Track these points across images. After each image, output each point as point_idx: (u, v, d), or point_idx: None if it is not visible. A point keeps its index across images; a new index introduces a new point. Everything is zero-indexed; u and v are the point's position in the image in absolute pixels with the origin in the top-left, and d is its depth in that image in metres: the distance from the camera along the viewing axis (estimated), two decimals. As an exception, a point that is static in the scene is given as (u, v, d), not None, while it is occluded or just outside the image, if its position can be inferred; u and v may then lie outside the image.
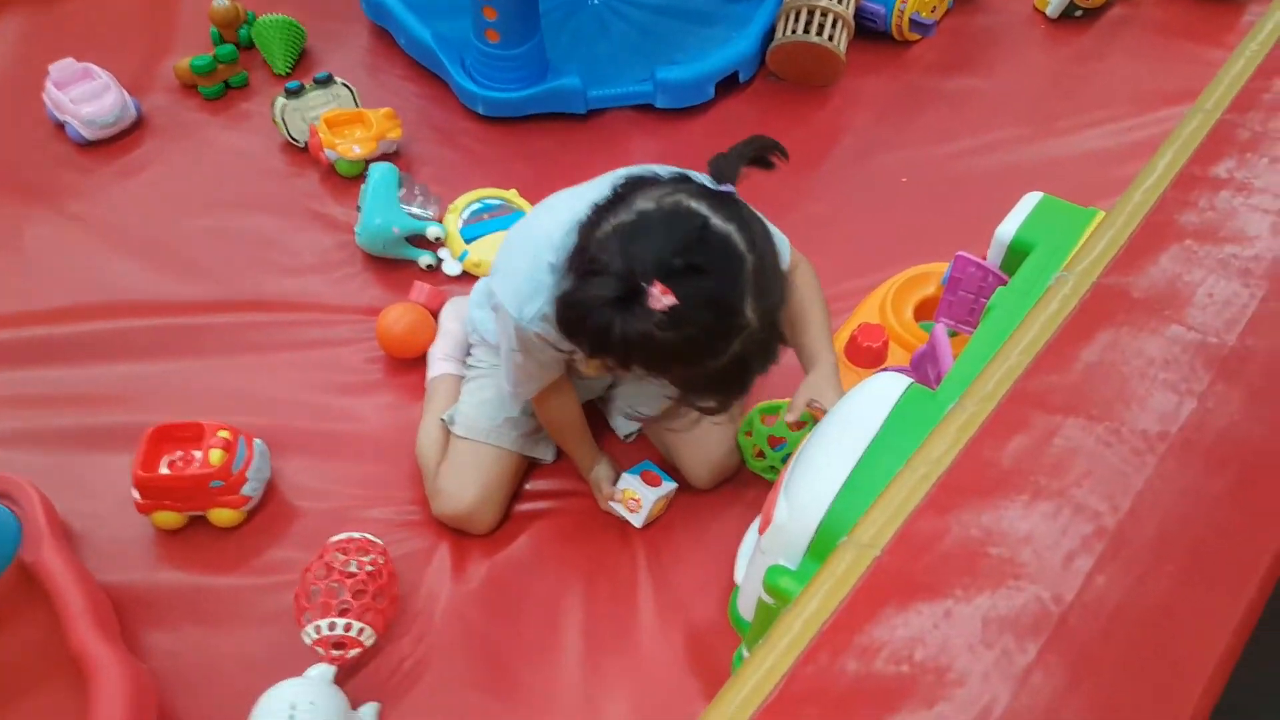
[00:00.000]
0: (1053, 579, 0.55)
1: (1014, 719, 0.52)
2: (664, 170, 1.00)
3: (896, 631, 0.56)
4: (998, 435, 0.65)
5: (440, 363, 1.38)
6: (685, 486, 1.28)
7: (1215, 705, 0.55)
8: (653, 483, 1.24)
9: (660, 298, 0.85)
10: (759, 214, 0.97)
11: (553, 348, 1.05)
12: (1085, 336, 0.71)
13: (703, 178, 0.96)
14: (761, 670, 0.57)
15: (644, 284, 0.85)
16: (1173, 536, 0.60)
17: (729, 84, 1.80)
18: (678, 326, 0.86)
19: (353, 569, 1.13)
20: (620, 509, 1.24)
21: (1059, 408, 0.65)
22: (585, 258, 0.91)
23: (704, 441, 1.25)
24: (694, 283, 0.86)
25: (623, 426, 1.33)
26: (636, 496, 1.23)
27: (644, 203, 0.91)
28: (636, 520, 1.23)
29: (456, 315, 1.42)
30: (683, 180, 0.95)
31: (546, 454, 1.30)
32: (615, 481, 1.25)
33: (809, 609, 0.60)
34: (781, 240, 1.09)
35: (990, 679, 0.53)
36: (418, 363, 1.42)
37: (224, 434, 1.24)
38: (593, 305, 0.88)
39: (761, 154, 0.98)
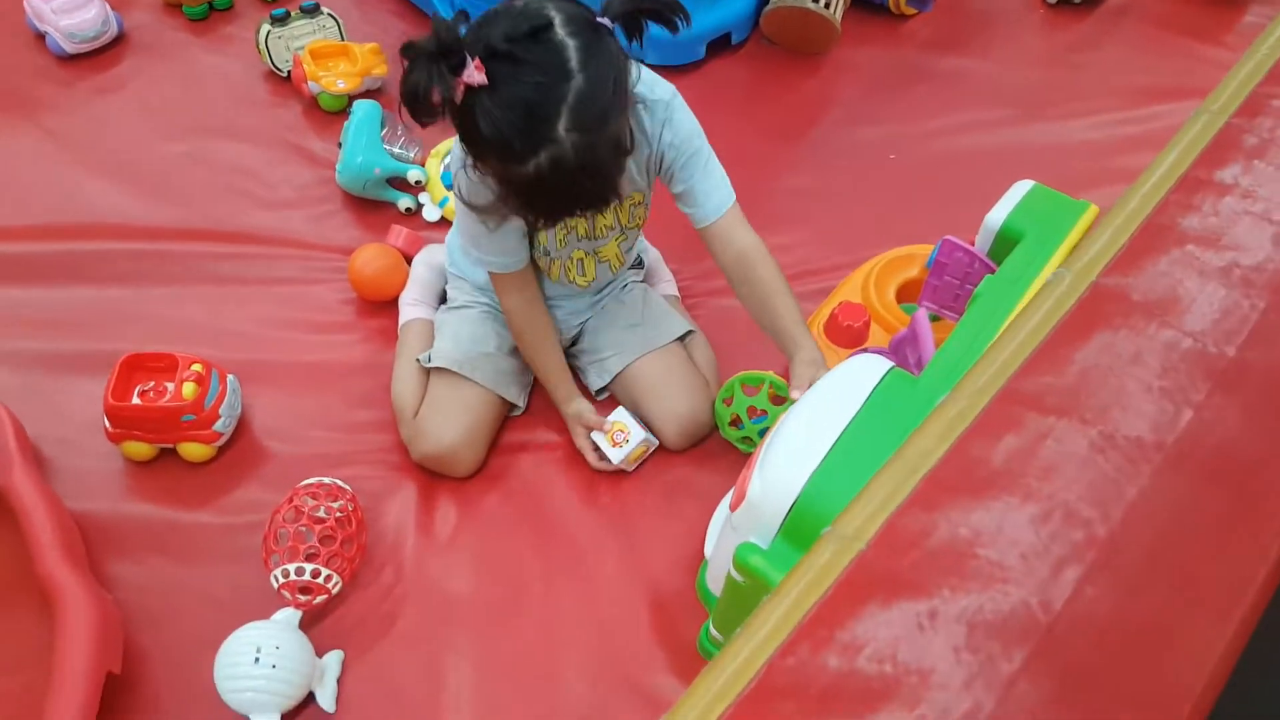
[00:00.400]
0: (1041, 586, 0.56)
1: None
2: None
3: (880, 629, 0.56)
4: (989, 433, 0.65)
5: (410, 308, 1.36)
6: (658, 449, 1.29)
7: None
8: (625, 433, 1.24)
9: (474, 73, 0.89)
10: (640, 68, 1.00)
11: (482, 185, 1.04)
12: (1081, 337, 0.71)
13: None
14: (739, 660, 0.57)
15: (467, 55, 0.89)
16: (1165, 549, 0.60)
17: (720, 45, 1.78)
18: (485, 111, 0.90)
19: (321, 514, 1.13)
20: (603, 440, 1.23)
21: (1053, 409, 0.66)
22: None
23: (672, 396, 1.25)
24: (509, 72, 0.89)
25: (595, 380, 1.32)
26: (625, 429, 1.22)
27: (518, 1, 0.94)
28: (616, 455, 1.22)
29: (428, 262, 1.40)
30: (567, 1, 0.95)
31: (519, 399, 1.30)
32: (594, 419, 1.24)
33: (789, 599, 0.59)
34: (719, 189, 1.16)
35: (974, 686, 0.53)
36: (390, 306, 1.40)
37: (197, 367, 1.22)
38: (416, 56, 0.89)
39: (662, 8, 0.97)
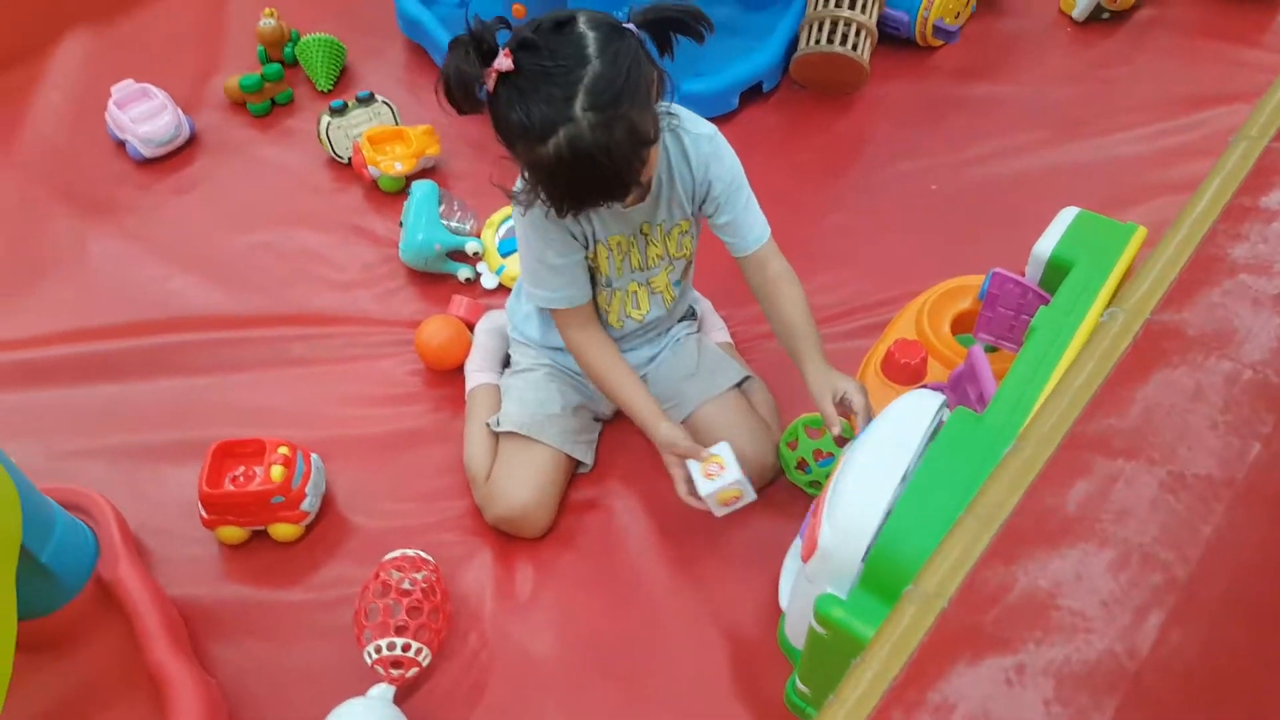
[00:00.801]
0: (1125, 633, 0.57)
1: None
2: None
3: (969, 689, 0.56)
4: (1059, 480, 0.67)
5: (476, 374, 1.42)
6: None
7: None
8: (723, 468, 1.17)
9: (503, 60, 0.97)
10: (649, 68, 1.04)
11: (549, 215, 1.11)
12: (1140, 377, 0.73)
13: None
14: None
15: (498, 45, 0.98)
16: (1245, 588, 0.61)
17: (753, 94, 1.82)
18: (510, 95, 0.98)
19: (407, 587, 1.17)
20: (697, 470, 1.17)
21: (1120, 451, 0.67)
22: None
23: (737, 441, 1.27)
24: (532, 58, 0.98)
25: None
26: (723, 463, 1.17)
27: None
28: (706, 487, 1.16)
29: (489, 329, 1.46)
30: (598, 12, 1.04)
31: (587, 456, 1.34)
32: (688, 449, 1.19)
33: (877, 662, 0.61)
34: (759, 224, 1.23)
35: None
36: (456, 374, 1.46)
37: (284, 450, 1.28)
38: (457, 44, 0.99)
39: (685, 18, 1.05)
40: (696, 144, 1.18)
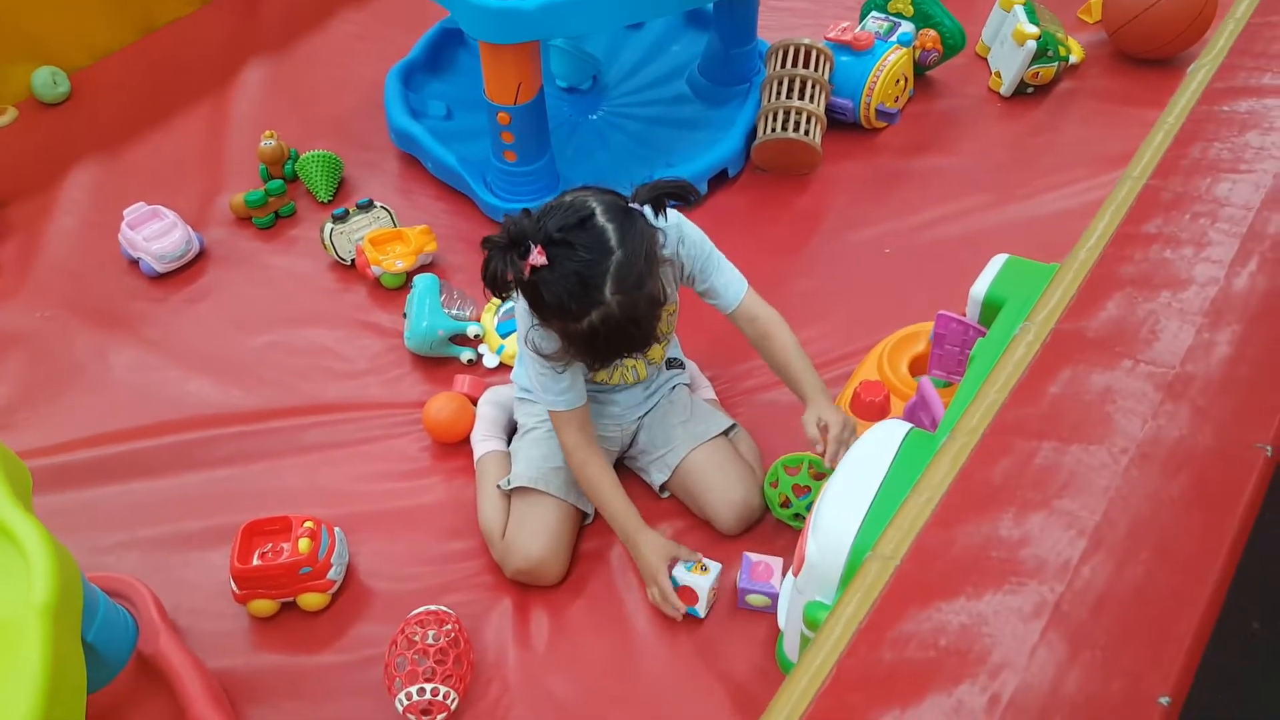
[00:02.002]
0: (1047, 573, 0.70)
1: (1027, 686, 0.66)
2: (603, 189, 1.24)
3: (922, 625, 0.70)
4: (986, 460, 0.80)
5: (482, 443, 1.54)
6: (716, 537, 1.43)
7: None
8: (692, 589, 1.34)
9: (536, 256, 1.13)
10: (655, 239, 1.21)
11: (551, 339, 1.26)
12: (1050, 374, 0.87)
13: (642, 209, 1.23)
14: (813, 667, 0.71)
15: (531, 244, 1.13)
16: (1143, 531, 0.75)
17: (719, 179, 2.00)
18: (547, 284, 1.14)
19: (431, 640, 1.27)
20: (683, 573, 1.33)
21: (1034, 434, 0.81)
22: None
23: (726, 485, 1.41)
24: (564, 254, 1.14)
25: (657, 476, 1.48)
26: (691, 587, 1.32)
27: (567, 197, 1.21)
28: (699, 610, 1.33)
29: (492, 401, 1.59)
30: (605, 192, 1.21)
31: (588, 506, 1.46)
32: (669, 562, 1.35)
33: (846, 612, 0.74)
34: (734, 282, 1.39)
35: (1005, 655, 0.67)
36: (462, 447, 1.58)
37: (309, 525, 1.39)
38: (493, 248, 1.16)
39: (677, 193, 1.23)
40: (667, 234, 1.32)
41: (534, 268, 1.14)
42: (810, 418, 1.35)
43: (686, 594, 1.34)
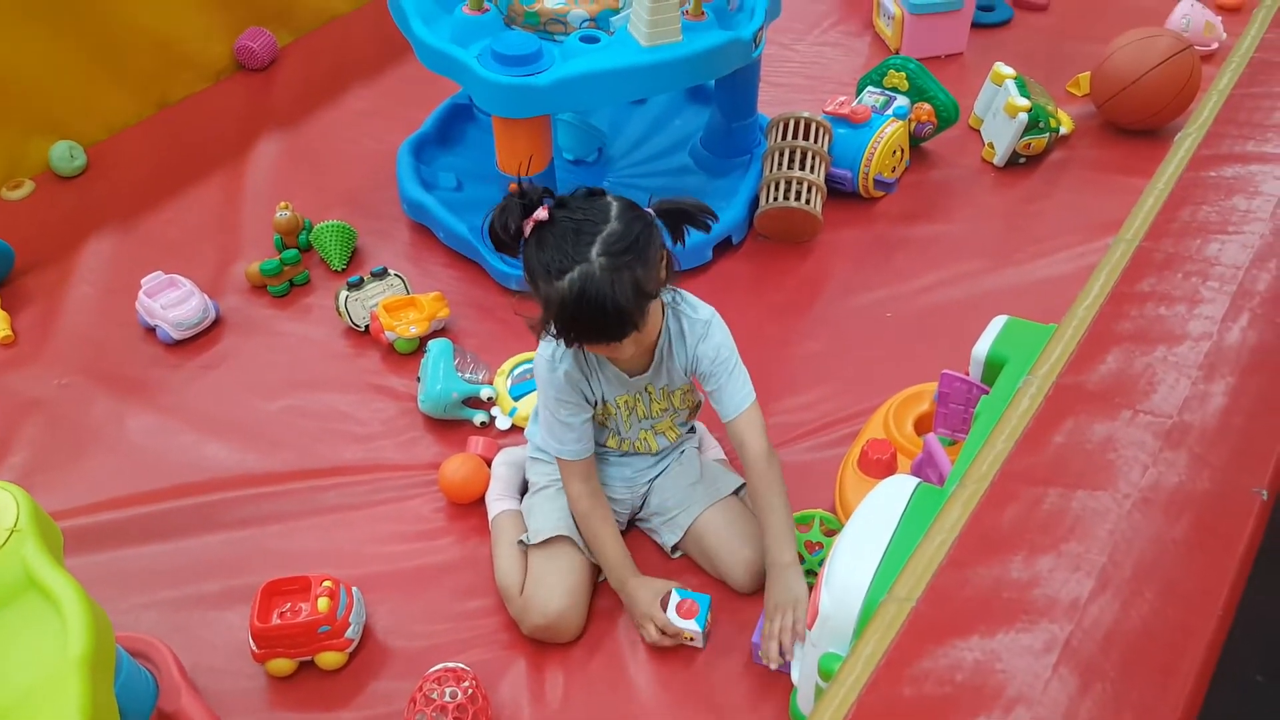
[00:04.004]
0: (1057, 611, 0.73)
1: (1041, 719, 0.69)
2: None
3: (939, 662, 0.73)
4: (996, 506, 0.84)
5: (496, 502, 1.57)
6: (730, 594, 1.45)
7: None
8: (688, 613, 1.39)
9: (541, 213, 1.21)
10: (655, 238, 1.26)
11: (575, 379, 1.35)
12: (1054, 425, 0.91)
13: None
14: (834, 704, 0.74)
15: (540, 204, 1.22)
16: (1148, 571, 0.78)
17: (724, 246, 2.06)
18: (542, 236, 1.21)
19: (449, 697, 1.29)
20: (674, 615, 1.38)
21: (1041, 481, 0.85)
22: None
23: (738, 545, 1.44)
24: (564, 213, 1.22)
25: (668, 537, 1.50)
26: (683, 631, 1.37)
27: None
28: (698, 643, 1.38)
29: (505, 461, 1.63)
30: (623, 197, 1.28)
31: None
32: (662, 604, 1.39)
33: (865, 651, 0.77)
34: (738, 396, 1.39)
35: (1019, 689, 0.70)
36: (477, 506, 1.61)
37: (328, 584, 1.41)
38: (506, 202, 1.23)
39: (694, 213, 1.29)
40: (693, 326, 1.38)
41: (536, 223, 1.21)
42: (773, 610, 1.32)
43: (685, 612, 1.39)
